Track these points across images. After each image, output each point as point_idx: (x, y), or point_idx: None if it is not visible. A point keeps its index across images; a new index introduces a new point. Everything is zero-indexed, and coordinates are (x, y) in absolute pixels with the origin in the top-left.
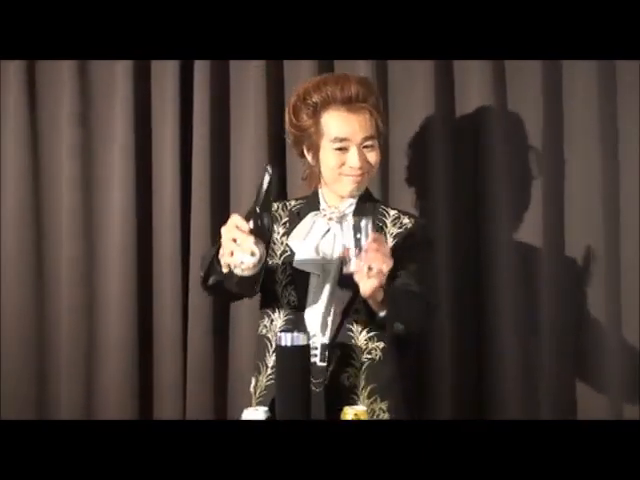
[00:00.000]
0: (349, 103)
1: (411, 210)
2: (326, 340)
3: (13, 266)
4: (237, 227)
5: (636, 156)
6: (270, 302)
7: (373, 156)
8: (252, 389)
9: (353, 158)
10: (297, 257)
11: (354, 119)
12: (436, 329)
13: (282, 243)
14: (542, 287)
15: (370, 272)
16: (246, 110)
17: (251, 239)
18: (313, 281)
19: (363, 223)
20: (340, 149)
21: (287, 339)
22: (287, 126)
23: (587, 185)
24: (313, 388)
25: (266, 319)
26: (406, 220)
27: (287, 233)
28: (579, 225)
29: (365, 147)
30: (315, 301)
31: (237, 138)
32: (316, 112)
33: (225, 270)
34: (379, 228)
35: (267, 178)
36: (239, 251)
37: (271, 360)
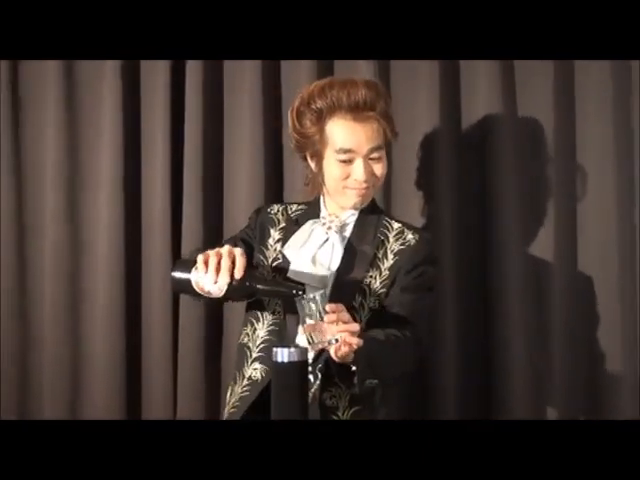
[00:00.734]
0: (356, 110)
1: (415, 218)
2: (311, 355)
3: None
4: (233, 262)
5: None
6: (255, 310)
7: (380, 168)
8: (227, 398)
9: (358, 171)
10: (292, 267)
11: (360, 129)
12: (443, 335)
13: (275, 249)
14: (551, 291)
15: (337, 344)
16: (241, 112)
17: (226, 279)
18: (308, 291)
19: (317, 296)
20: (345, 161)
21: (283, 355)
22: (290, 130)
23: (601, 192)
24: None
25: (249, 327)
26: (410, 236)
27: (282, 239)
28: (592, 233)
29: (371, 159)
30: (303, 313)
31: (231, 142)
32: (320, 119)
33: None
34: (380, 242)
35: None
36: (211, 275)
37: (249, 370)
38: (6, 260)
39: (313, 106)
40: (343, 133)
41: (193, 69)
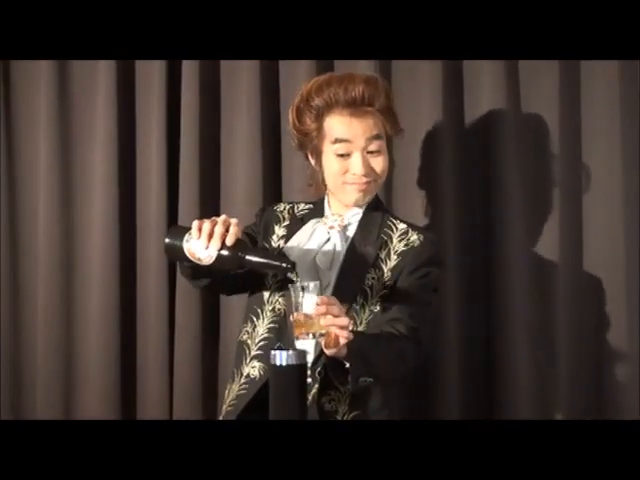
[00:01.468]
0: (353, 106)
1: (418, 218)
2: (311, 357)
3: None
4: (227, 230)
5: None
6: (255, 307)
7: (379, 162)
8: (225, 396)
9: (356, 164)
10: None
11: (357, 123)
12: (446, 335)
13: (279, 246)
14: (556, 290)
15: (328, 337)
16: (238, 113)
17: (217, 245)
18: (306, 290)
19: (311, 285)
20: (342, 155)
21: (282, 358)
22: (290, 128)
23: (607, 192)
24: None
25: (249, 325)
26: (414, 237)
27: (286, 237)
28: (598, 233)
29: (370, 153)
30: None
31: (228, 142)
32: (319, 115)
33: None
34: (384, 243)
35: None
36: (204, 240)
37: (247, 368)
38: None
39: (312, 103)
40: (339, 126)
41: (189, 69)
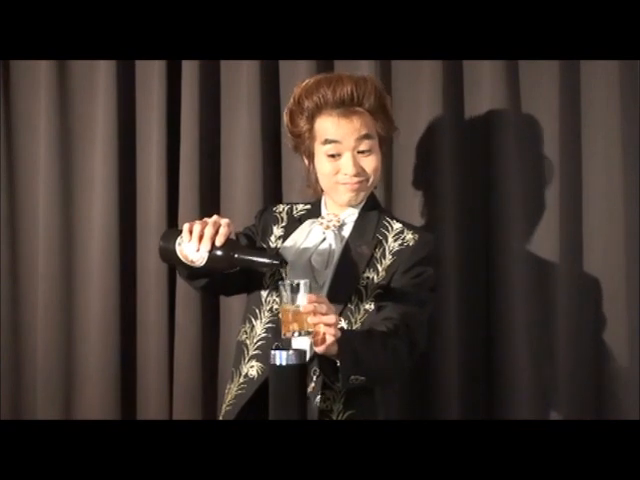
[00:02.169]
0: (342, 106)
1: (417, 218)
2: (307, 356)
3: None
4: (217, 231)
5: None
6: (253, 307)
7: (369, 162)
8: (225, 395)
9: (346, 165)
10: (289, 266)
11: (346, 123)
12: (446, 335)
13: (276, 246)
14: (556, 291)
15: (317, 335)
16: (238, 113)
17: (207, 247)
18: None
19: (301, 284)
20: (333, 155)
21: (282, 358)
22: (285, 131)
23: (607, 192)
24: None
25: (247, 324)
26: (409, 236)
27: (283, 237)
28: (598, 233)
29: (360, 152)
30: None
31: (228, 142)
32: (310, 117)
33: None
34: (379, 242)
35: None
36: (194, 242)
37: (245, 368)
38: None
39: (303, 105)
40: (329, 127)
41: (189, 69)
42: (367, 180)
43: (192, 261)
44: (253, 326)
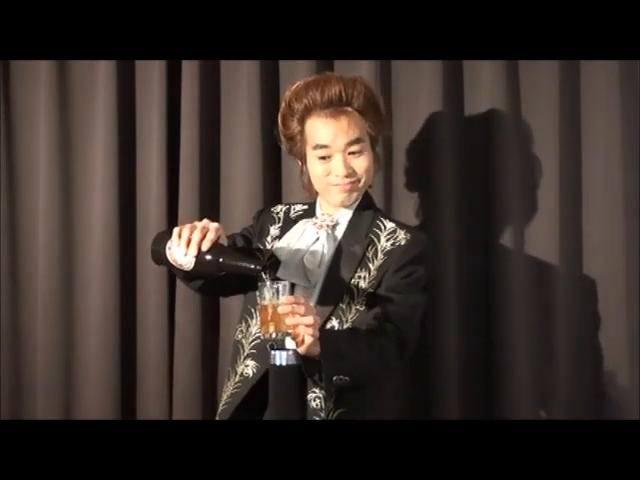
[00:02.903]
0: (330, 106)
1: (417, 219)
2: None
3: None
4: (205, 236)
5: None
6: (249, 307)
7: (360, 162)
8: (222, 394)
9: (337, 166)
10: (282, 265)
11: (335, 124)
12: (445, 336)
13: (272, 247)
14: (555, 292)
15: (298, 338)
16: (238, 112)
17: (194, 251)
18: (296, 290)
19: (280, 287)
20: (323, 158)
21: (282, 358)
22: (279, 134)
23: (607, 193)
24: None
25: (243, 324)
26: (402, 235)
27: (279, 237)
28: (598, 234)
29: (351, 153)
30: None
31: (228, 143)
32: (300, 120)
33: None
34: (371, 242)
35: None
36: (182, 247)
37: (241, 367)
38: None
39: (293, 108)
40: (318, 129)
41: (189, 69)
42: (359, 181)
43: (181, 265)
44: (249, 325)
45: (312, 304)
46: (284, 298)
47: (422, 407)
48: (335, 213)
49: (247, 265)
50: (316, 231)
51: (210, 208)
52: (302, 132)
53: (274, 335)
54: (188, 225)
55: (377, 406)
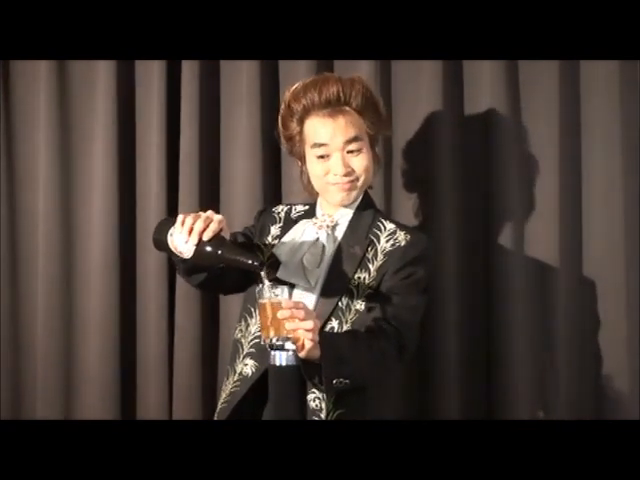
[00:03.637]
0: (328, 106)
1: (416, 219)
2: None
3: None
4: (208, 225)
5: None
6: (249, 306)
7: (359, 161)
8: (221, 393)
9: (335, 165)
10: (282, 265)
11: (333, 123)
12: (446, 335)
13: (273, 247)
14: (556, 292)
15: (297, 343)
16: (238, 113)
17: (195, 240)
18: (296, 290)
19: (278, 291)
20: (322, 157)
21: (282, 358)
22: (279, 135)
23: (607, 193)
24: None
25: (242, 323)
26: (401, 236)
27: (279, 237)
28: (598, 234)
29: (350, 152)
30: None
31: (228, 143)
32: (299, 120)
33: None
34: (371, 243)
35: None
36: (184, 234)
37: (240, 366)
38: None
39: (292, 109)
40: (316, 129)
41: (189, 69)
42: (358, 179)
43: (181, 252)
44: (248, 324)
45: (312, 304)
46: (284, 302)
47: (422, 407)
48: (335, 213)
49: (246, 260)
50: (316, 231)
51: (210, 208)
52: (301, 132)
53: (274, 340)
54: (192, 214)
55: (377, 406)
